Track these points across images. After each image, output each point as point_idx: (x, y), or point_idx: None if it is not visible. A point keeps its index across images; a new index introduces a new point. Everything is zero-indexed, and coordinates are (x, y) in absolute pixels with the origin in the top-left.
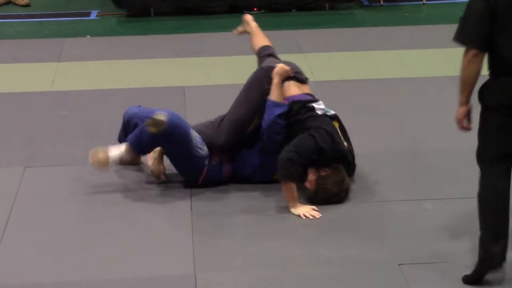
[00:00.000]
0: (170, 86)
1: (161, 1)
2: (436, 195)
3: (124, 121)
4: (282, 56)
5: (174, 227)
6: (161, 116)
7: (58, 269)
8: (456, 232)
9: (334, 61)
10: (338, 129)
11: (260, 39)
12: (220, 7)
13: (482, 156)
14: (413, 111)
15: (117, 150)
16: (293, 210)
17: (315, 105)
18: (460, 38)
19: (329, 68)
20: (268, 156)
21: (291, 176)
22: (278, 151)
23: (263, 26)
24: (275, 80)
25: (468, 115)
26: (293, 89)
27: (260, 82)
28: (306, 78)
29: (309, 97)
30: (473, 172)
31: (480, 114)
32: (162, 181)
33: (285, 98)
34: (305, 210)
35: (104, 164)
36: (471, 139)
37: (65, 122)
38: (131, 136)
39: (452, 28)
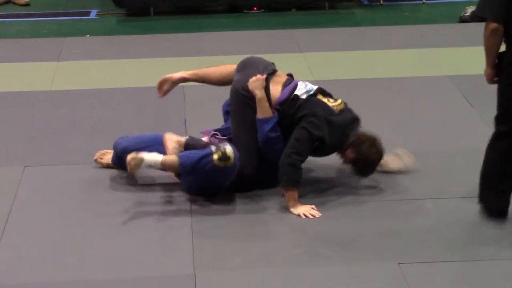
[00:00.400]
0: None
1: (161, 0)
2: (436, 194)
3: (116, 152)
4: (281, 56)
5: (173, 227)
6: (230, 152)
7: (57, 268)
8: (456, 232)
9: (333, 60)
10: (327, 102)
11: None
12: (219, 7)
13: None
14: (413, 110)
15: (154, 158)
16: (293, 210)
17: (297, 92)
18: (480, 12)
19: (329, 67)
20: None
21: (294, 182)
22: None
23: (262, 25)
24: (257, 96)
25: (494, 75)
26: (275, 90)
27: (246, 105)
28: (273, 64)
29: (289, 89)
30: (473, 172)
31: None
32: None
33: (275, 104)
34: (305, 210)
35: (137, 165)
36: (472, 139)
37: (64, 121)
38: (186, 156)
39: (452, 28)
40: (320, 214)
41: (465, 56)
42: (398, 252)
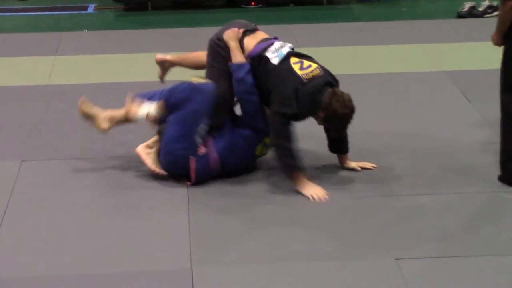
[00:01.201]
0: (168, 80)
1: None
2: (433, 189)
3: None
4: None
5: (171, 221)
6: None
7: (54, 263)
8: (452, 227)
9: (331, 55)
10: (298, 70)
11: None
12: (217, 1)
13: None
14: (411, 106)
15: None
16: (302, 190)
17: (269, 54)
18: None
19: (327, 62)
20: (251, 139)
21: (294, 168)
22: (261, 128)
23: (260, 20)
24: (230, 45)
25: (502, 43)
26: (249, 43)
27: (217, 53)
28: (255, 25)
29: (262, 45)
30: (471, 167)
31: None
32: (161, 174)
33: (247, 57)
34: (315, 192)
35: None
36: (469, 134)
37: (62, 116)
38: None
39: (449, 23)
40: (328, 199)
41: (463, 51)
42: (395, 247)
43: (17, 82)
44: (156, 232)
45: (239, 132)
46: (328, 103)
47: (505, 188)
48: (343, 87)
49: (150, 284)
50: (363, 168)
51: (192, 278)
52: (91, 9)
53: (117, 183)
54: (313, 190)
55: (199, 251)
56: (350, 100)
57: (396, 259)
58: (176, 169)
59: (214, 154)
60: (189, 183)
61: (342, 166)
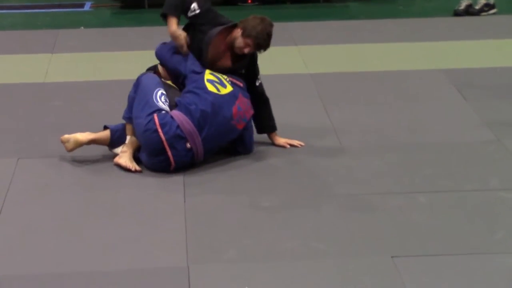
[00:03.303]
0: None
1: None
2: (429, 188)
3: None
4: (276, 49)
5: (167, 218)
6: None
7: (50, 260)
8: (449, 225)
9: (328, 53)
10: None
11: None
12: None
13: None
14: (407, 104)
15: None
16: (283, 142)
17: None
18: None
19: (324, 60)
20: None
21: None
22: None
23: None
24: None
25: None
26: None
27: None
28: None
29: None
30: (467, 166)
31: None
32: (136, 170)
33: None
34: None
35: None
36: (465, 133)
37: (58, 113)
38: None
39: (446, 21)
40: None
41: (459, 49)
42: (391, 246)
43: (14, 80)
44: (153, 230)
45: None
46: (241, 21)
47: (501, 186)
48: (340, 85)
49: (147, 282)
50: (291, 145)
51: (188, 276)
52: (87, 6)
53: (114, 181)
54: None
55: (196, 249)
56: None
57: (392, 257)
58: (150, 146)
59: (175, 112)
60: (173, 164)
61: (273, 144)
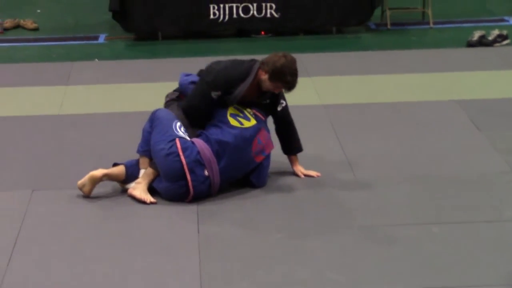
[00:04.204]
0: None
1: (169, 25)
2: (443, 219)
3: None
4: None
5: (180, 249)
6: None
7: None
8: (463, 257)
9: (341, 84)
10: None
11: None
12: (227, 31)
13: None
14: (420, 135)
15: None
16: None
17: None
18: None
19: (336, 91)
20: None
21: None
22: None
23: (270, 50)
24: None
25: None
26: None
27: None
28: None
29: None
30: (481, 197)
31: None
32: (151, 202)
33: None
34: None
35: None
36: (479, 163)
37: (73, 145)
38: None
39: (459, 52)
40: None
41: (472, 80)
42: (405, 277)
43: (29, 112)
44: (166, 261)
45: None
46: (263, 62)
47: None
48: (353, 116)
49: None
50: (306, 176)
51: None
52: (102, 39)
53: (127, 211)
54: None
55: (209, 280)
56: (286, 53)
57: None
58: (171, 171)
59: (195, 139)
60: (191, 191)
61: (292, 171)
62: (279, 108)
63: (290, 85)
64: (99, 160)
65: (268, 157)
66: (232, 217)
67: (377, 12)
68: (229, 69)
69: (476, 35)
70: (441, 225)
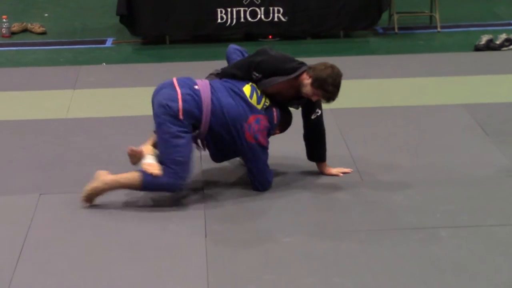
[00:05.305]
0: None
1: (176, 29)
2: (451, 222)
3: None
4: None
5: (188, 254)
6: None
7: None
8: (471, 261)
9: (348, 88)
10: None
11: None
12: (235, 35)
13: None
14: (428, 139)
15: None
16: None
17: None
18: None
19: (344, 95)
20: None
21: None
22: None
23: None
24: None
25: None
26: None
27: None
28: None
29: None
30: (489, 201)
31: None
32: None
33: None
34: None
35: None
36: (487, 168)
37: (80, 149)
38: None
39: (467, 56)
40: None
41: (480, 84)
42: (413, 281)
43: (36, 116)
44: (174, 265)
45: None
46: (310, 66)
47: None
48: (360, 120)
49: None
50: (344, 173)
51: None
52: (109, 43)
53: (134, 215)
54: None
55: (217, 284)
56: (333, 65)
57: None
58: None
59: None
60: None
61: (323, 173)
62: (313, 116)
63: (329, 96)
64: (106, 163)
65: (264, 151)
66: (239, 221)
67: (385, 16)
68: (279, 59)
69: (484, 39)
70: (449, 229)
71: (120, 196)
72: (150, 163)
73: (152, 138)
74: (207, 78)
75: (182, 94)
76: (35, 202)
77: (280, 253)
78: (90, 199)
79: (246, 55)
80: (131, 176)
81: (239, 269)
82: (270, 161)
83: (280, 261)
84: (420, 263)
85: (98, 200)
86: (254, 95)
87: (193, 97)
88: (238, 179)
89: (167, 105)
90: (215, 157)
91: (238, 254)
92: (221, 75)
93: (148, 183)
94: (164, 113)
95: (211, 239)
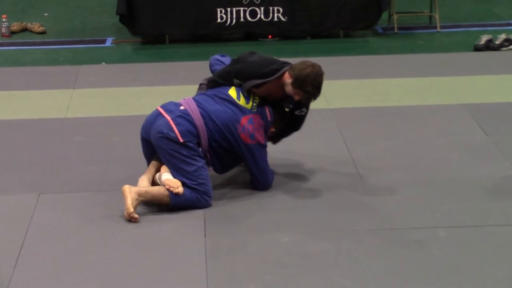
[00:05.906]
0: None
1: (176, 28)
2: (450, 222)
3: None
4: None
5: (187, 254)
6: None
7: None
8: (470, 261)
9: (348, 88)
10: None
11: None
12: (234, 35)
13: None
14: (427, 139)
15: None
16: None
17: None
18: None
19: (343, 95)
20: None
21: None
22: None
23: (277, 53)
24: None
25: None
26: None
27: None
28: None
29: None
30: (489, 200)
31: None
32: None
33: None
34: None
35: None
36: (486, 167)
37: (79, 148)
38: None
39: (466, 56)
40: None
41: (479, 84)
42: (412, 281)
43: (36, 115)
44: (173, 265)
45: None
46: (291, 66)
47: None
48: (360, 120)
49: None
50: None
51: None
52: (109, 42)
53: None
54: None
55: (216, 284)
56: (311, 63)
57: None
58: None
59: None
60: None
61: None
62: (297, 112)
63: (309, 96)
64: (106, 163)
65: (263, 150)
66: (239, 221)
67: (384, 16)
68: (257, 64)
69: (483, 39)
70: (448, 229)
71: (120, 196)
72: (170, 179)
73: (152, 167)
74: (198, 88)
75: (173, 119)
76: (34, 201)
77: (280, 252)
78: (134, 213)
79: (227, 62)
80: (163, 190)
81: (239, 269)
82: (270, 161)
83: (280, 260)
84: (419, 263)
85: (98, 200)
86: (241, 96)
87: (184, 117)
88: (238, 179)
89: (168, 134)
90: (219, 169)
91: (238, 254)
92: (207, 85)
93: (176, 198)
94: (168, 143)
95: (211, 239)
